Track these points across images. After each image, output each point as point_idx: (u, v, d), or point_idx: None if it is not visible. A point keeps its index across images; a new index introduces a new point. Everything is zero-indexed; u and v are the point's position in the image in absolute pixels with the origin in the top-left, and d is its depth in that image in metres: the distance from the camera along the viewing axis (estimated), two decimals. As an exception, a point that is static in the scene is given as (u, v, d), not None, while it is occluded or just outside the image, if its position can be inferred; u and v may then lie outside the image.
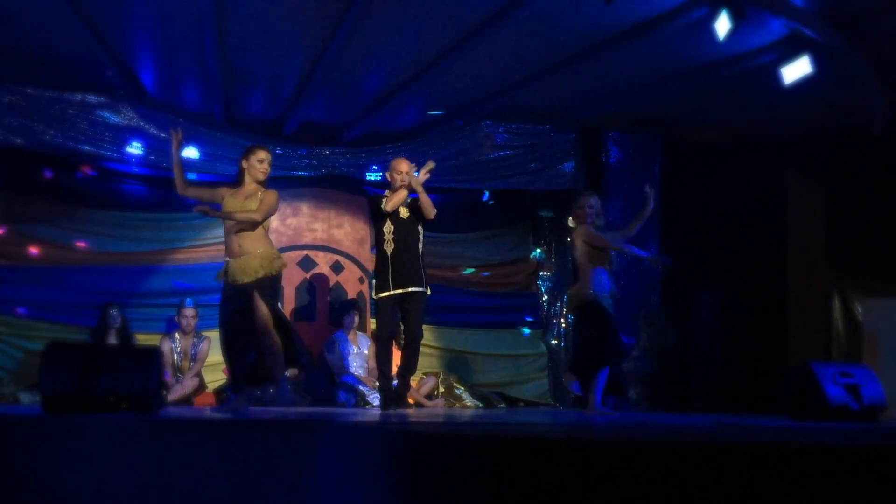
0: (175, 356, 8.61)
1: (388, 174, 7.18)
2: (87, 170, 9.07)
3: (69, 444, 3.81)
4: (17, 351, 8.54)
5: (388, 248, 6.94)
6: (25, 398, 7.96)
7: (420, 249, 7.06)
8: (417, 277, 6.95)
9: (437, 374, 9.33)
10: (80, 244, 9.05)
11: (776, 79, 7.37)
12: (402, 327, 7.18)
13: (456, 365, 9.76)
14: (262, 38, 7.44)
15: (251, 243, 6.16)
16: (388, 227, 6.97)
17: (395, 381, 7.13)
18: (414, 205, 7.09)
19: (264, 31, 7.27)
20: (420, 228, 7.10)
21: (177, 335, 8.69)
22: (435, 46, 7.54)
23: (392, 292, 6.90)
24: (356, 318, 9.10)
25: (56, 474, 3.72)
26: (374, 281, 7.13)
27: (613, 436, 2.57)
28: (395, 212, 7.00)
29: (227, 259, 6.25)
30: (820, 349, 8.89)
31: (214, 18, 6.95)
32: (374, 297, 7.04)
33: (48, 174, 8.99)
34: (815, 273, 9.25)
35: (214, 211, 6.18)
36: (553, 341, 10.24)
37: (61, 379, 4.68)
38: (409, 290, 6.90)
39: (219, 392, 8.85)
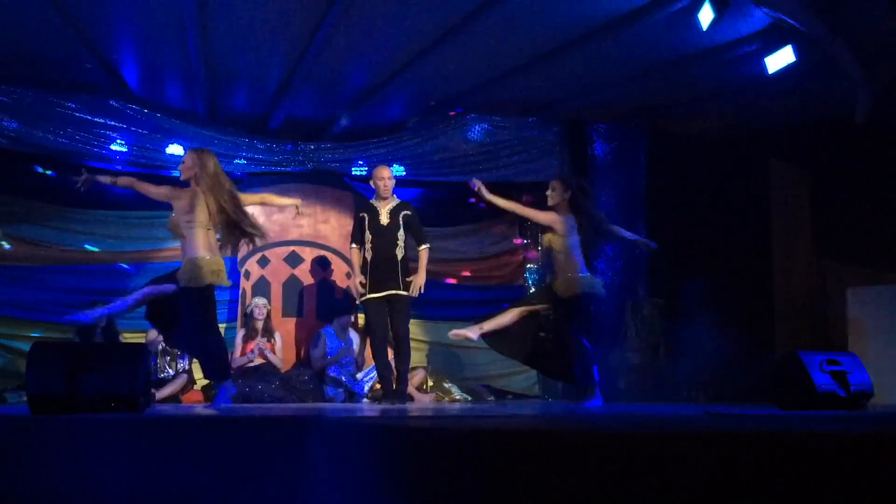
0: (161, 351, 8.59)
1: (371, 181, 7.58)
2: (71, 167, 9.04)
3: (56, 445, 3.79)
4: (3, 351, 8.50)
5: (368, 255, 7.31)
6: (12, 398, 7.93)
7: (400, 254, 7.33)
8: (395, 281, 7.24)
9: (425, 368, 9.34)
10: (66, 243, 9.02)
11: (760, 68, 7.40)
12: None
13: (444, 359, 9.76)
14: (246, 35, 7.42)
15: None
16: (367, 237, 7.33)
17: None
18: (397, 213, 7.37)
19: (247, 27, 7.25)
20: (400, 234, 7.38)
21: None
22: (418, 41, 7.54)
23: (375, 294, 7.21)
24: (351, 319, 9.10)
25: (44, 475, 3.70)
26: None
27: (602, 427, 2.57)
28: (375, 220, 7.34)
29: None
30: (806, 337, 8.93)
31: (197, 15, 6.94)
32: (359, 301, 7.25)
33: (32, 173, 8.95)
34: (800, 262, 9.29)
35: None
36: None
37: (48, 379, 4.65)
38: (390, 292, 7.22)
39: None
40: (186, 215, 6.23)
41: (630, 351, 9.00)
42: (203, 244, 6.20)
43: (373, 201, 7.49)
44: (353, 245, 7.48)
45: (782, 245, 9.29)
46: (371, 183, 7.59)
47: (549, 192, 7.08)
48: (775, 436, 2.19)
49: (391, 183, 7.46)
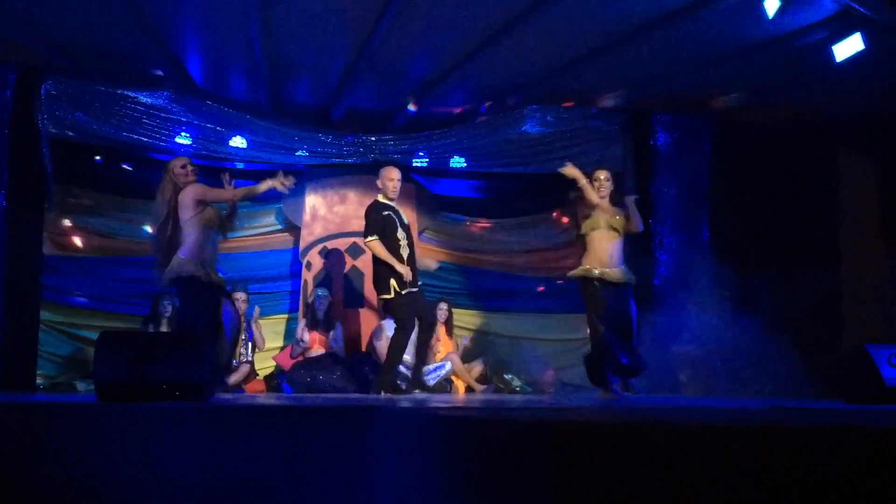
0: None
1: (381, 182, 7.59)
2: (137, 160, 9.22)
3: (123, 432, 3.87)
4: (72, 340, 8.68)
5: (405, 251, 7.39)
6: (81, 386, 8.10)
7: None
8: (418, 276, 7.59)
9: (485, 360, 9.33)
10: (134, 235, 9.18)
11: (827, 57, 7.26)
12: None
13: (505, 350, 9.74)
14: (308, 27, 7.46)
15: None
16: (401, 234, 7.42)
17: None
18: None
19: (310, 19, 7.29)
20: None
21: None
22: (480, 32, 7.51)
23: (415, 288, 7.42)
24: None
25: (111, 462, 3.77)
26: (391, 280, 7.26)
27: (664, 419, 2.55)
28: (402, 218, 7.54)
29: None
30: (875, 330, 8.75)
31: (260, 8, 7.00)
32: (401, 291, 7.26)
33: (100, 166, 9.13)
34: (869, 254, 9.11)
35: None
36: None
37: (115, 367, 4.75)
38: (420, 284, 7.57)
39: (269, 379, 8.94)
40: None
41: (692, 344, 8.89)
42: None
43: (387, 201, 7.54)
44: (376, 237, 7.39)
45: (850, 237, 9.13)
46: (380, 183, 7.58)
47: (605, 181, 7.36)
48: (842, 431, 2.15)
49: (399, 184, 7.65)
